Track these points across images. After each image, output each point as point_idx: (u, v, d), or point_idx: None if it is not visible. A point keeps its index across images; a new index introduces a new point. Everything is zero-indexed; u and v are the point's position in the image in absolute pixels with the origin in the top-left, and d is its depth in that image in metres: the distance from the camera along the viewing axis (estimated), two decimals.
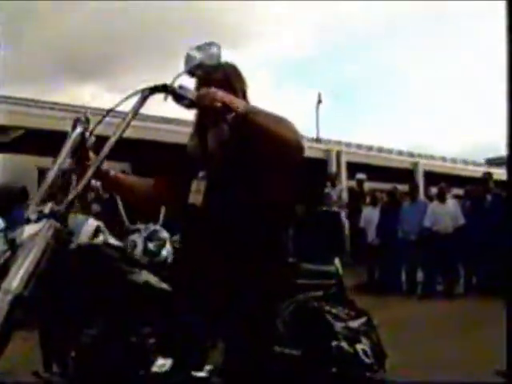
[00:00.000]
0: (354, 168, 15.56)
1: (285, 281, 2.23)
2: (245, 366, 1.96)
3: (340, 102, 53.69)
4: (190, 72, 1.96)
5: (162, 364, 1.74)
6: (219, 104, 1.87)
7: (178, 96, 1.89)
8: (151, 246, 7.46)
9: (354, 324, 2.50)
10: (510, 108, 3.38)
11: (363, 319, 2.58)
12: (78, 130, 1.97)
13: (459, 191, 12.66)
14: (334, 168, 16.80)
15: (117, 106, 1.93)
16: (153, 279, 1.91)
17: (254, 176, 2.09)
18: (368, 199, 12.18)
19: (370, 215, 11.16)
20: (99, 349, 1.71)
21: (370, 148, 20.54)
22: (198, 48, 1.93)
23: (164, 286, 1.93)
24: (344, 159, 17.47)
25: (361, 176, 13.19)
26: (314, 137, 20.21)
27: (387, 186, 12.61)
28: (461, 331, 6.55)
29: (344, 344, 2.36)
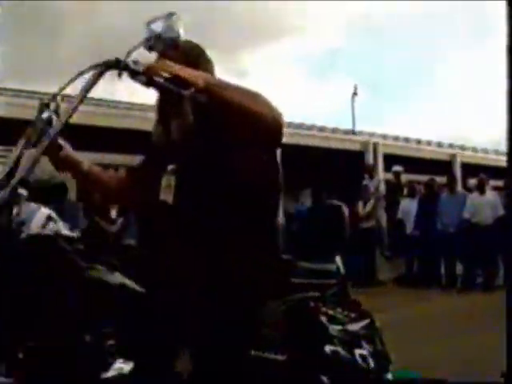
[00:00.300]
0: (390, 160, 15.23)
1: (274, 277, 2.00)
2: (216, 370, 1.78)
3: (376, 95, 53.11)
4: (150, 46, 1.75)
5: (120, 367, 1.59)
6: (169, 75, 1.63)
7: (133, 72, 1.68)
8: None
9: (354, 327, 2.24)
10: (510, 107, 3.25)
11: (365, 322, 2.30)
12: (44, 115, 1.84)
13: (498, 183, 12.30)
14: (371, 160, 16.48)
15: (64, 88, 1.77)
16: (127, 281, 1.75)
17: (223, 156, 1.90)
18: (406, 191, 12.00)
19: (408, 207, 11.00)
20: (48, 349, 1.57)
21: (407, 140, 20.05)
22: (157, 19, 1.73)
23: (137, 287, 1.77)
24: (381, 151, 17.15)
25: (397, 168, 12.89)
26: (350, 129, 19.98)
27: (424, 177, 12.33)
28: (500, 324, 6.33)
29: (340, 349, 2.14)
